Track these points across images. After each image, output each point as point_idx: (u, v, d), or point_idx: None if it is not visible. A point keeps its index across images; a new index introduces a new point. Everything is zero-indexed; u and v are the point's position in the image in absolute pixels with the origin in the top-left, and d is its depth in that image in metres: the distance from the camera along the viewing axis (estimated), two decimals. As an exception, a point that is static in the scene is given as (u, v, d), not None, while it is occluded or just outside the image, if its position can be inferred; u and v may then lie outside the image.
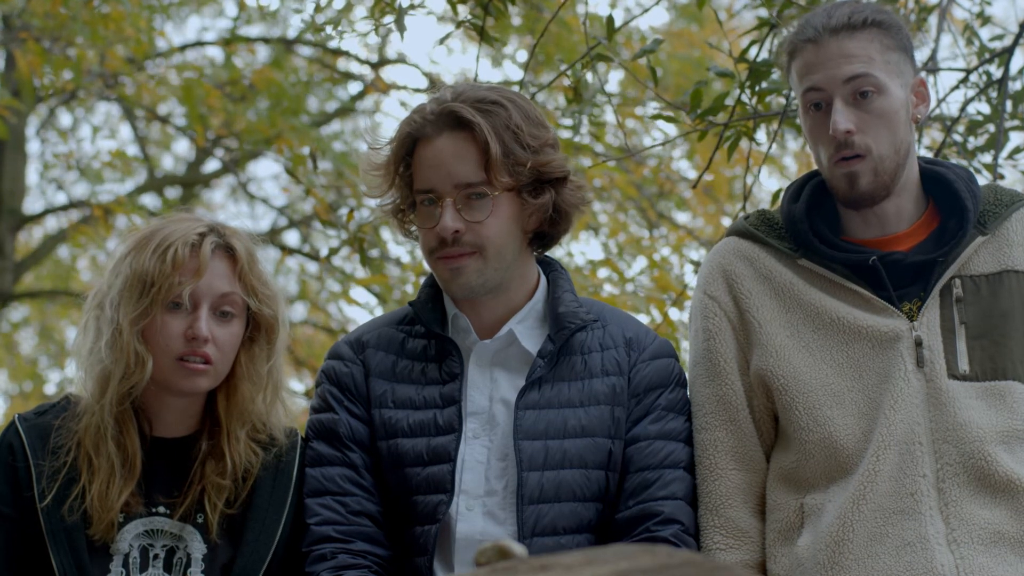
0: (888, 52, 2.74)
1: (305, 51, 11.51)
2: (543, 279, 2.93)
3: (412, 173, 2.83)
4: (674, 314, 6.70)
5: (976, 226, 2.78)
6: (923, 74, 2.89)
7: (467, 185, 2.77)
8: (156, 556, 2.75)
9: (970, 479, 2.68)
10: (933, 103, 4.70)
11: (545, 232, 2.89)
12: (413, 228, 2.90)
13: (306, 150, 8.94)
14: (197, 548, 2.76)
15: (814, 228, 2.81)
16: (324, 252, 11.24)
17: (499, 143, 2.76)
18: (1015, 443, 2.72)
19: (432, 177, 2.79)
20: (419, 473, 2.80)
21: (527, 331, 2.86)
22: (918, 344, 2.72)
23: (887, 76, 2.73)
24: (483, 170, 2.77)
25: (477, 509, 2.77)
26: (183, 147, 12.93)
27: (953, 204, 2.80)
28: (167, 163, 12.96)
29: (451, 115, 2.79)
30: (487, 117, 2.78)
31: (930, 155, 4.72)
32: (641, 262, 9.22)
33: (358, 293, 9.99)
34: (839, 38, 2.72)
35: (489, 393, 2.83)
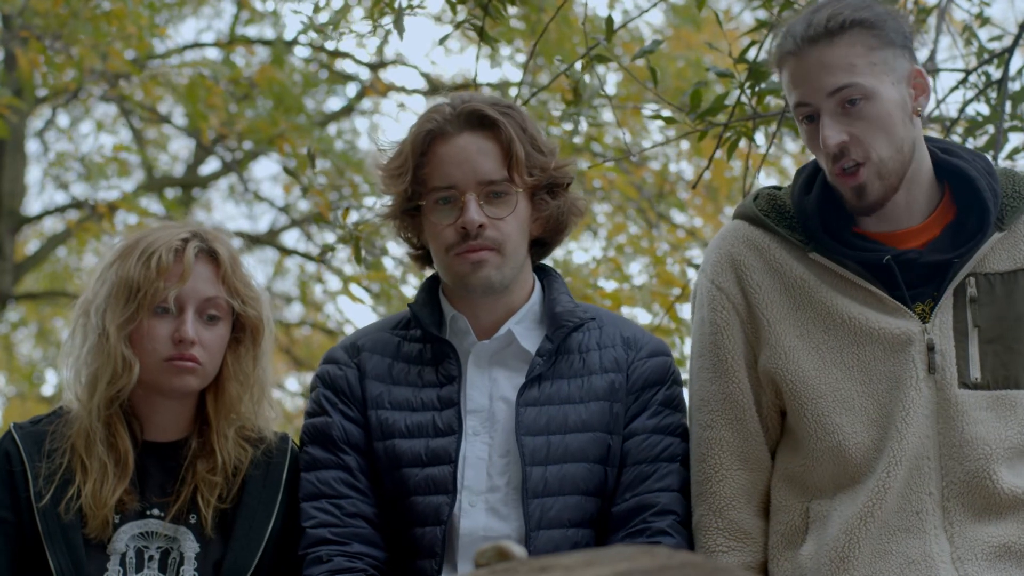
0: (873, 52, 2.64)
1: (303, 52, 11.51)
2: (537, 283, 2.95)
3: (426, 172, 2.83)
4: (678, 310, 6.69)
5: (994, 223, 2.70)
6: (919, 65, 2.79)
7: (490, 183, 2.80)
8: (151, 557, 2.78)
9: (974, 498, 2.65)
10: (932, 104, 4.70)
11: (544, 239, 2.93)
12: (410, 235, 2.91)
13: (305, 150, 8.95)
14: (190, 547, 2.79)
15: (826, 223, 2.73)
16: (321, 246, 11.23)
17: (520, 143, 2.80)
18: (1019, 459, 2.68)
19: (454, 173, 2.80)
20: (417, 473, 2.80)
21: (525, 332, 2.88)
22: (930, 348, 2.67)
23: (874, 78, 2.63)
24: (506, 168, 2.80)
25: (480, 505, 2.78)
26: (183, 147, 12.93)
27: (972, 200, 2.71)
28: (166, 164, 12.96)
29: (473, 113, 2.82)
30: (507, 118, 2.82)
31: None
32: (642, 262, 9.22)
33: (358, 291, 9.99)
34: (818, 48, 2.63)
35: (489, 392, 2.84)
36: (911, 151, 2.69)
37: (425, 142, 2.83)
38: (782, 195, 2.84)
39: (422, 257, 2.95)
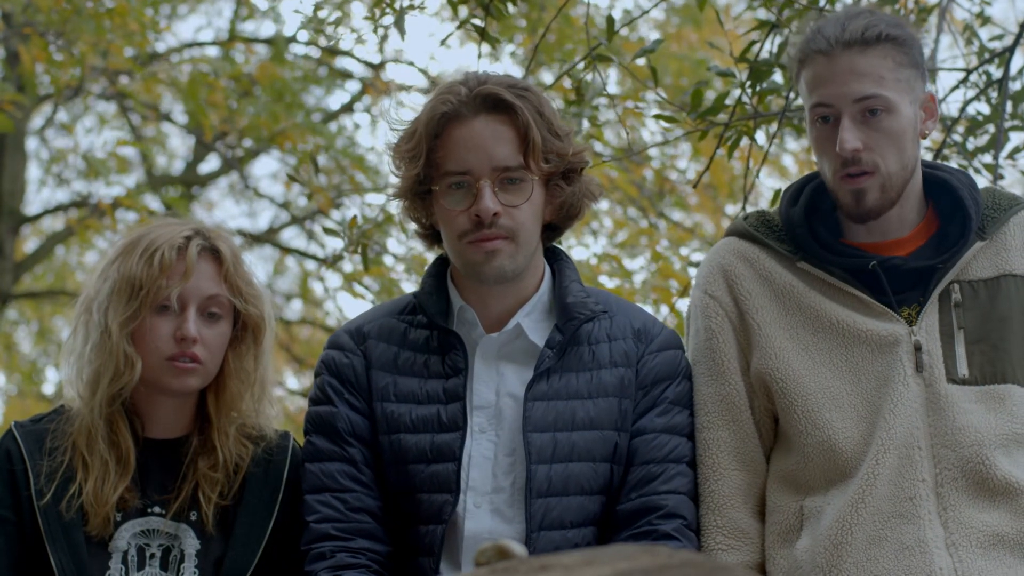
0: (900, 69, 2.70)
1: (303, 49, 11.51)
2: (547, 269, 2.90)
3: (440, 155, 2.77)
4: (680, 305, 6.68)
5: (975, 231, 2.77)
6: (933, 89, 2.82)
7: (505, 169, 2.74)
8: (152, 555, 2.78)
9: (968, 483, 2.68)
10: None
11: (556, 224, 2.88)
12: (420, 215, 2.86)
13: (307, 147, 8.95)
14: (190, 545, 2.80)
15: (813, 232, 2.80)
16: (327, 254, 11.24)
17: (537, 129, 2.74)
18: (1014, 447, 2.71)
19: (469, 158, 2.74)
20: (423, 471, 2.78)
21: (533, 324, 2.83)
22: (917, 349, 2.72)
23: (897, 94, 2.69)
24: (521, 154, 2.74)
25: (485, 507, 2.76)
26: (183, 146, 12.93)
27: (955, 210, 2.79)
28: (166, 162, 12.96)
29: (489, 97, 2.75)
30: (523, 102, 2.76)
31: (930, 156, 4.73)
32: (642, 260, 9.22)
33: (359, 288, 10.00)
34: (851, 53, 2.67)
35: (496, 387, 2.81)
36: (913, 171, 2.76)
37: (439, 125, 2.77)
38: (771, 213, 2.91)
39: (430, 236, 2.90)
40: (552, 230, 2.90)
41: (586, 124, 4.61)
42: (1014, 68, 4.64)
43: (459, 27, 4.65)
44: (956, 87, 4.77)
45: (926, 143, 4.93)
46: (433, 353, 2.83)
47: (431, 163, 2.78)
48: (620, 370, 2.83)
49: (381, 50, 10.99)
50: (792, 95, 4.36)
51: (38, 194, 12.62)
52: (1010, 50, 4.62)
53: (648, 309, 7.60)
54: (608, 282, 7.84)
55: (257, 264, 3.02)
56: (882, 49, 2.68)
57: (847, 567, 2.68)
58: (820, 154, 2.76)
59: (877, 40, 2.68)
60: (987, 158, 4.61)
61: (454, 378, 2.80)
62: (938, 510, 2.67)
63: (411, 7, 4.38)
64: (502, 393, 2.81)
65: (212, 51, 11.50)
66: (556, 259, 2.92)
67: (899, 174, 2.72)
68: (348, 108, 11.96)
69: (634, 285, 7.92)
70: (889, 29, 2.69)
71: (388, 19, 4.52)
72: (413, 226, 2.93)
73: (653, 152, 9.55)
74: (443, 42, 5.14)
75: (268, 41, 11.41)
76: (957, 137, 4.71)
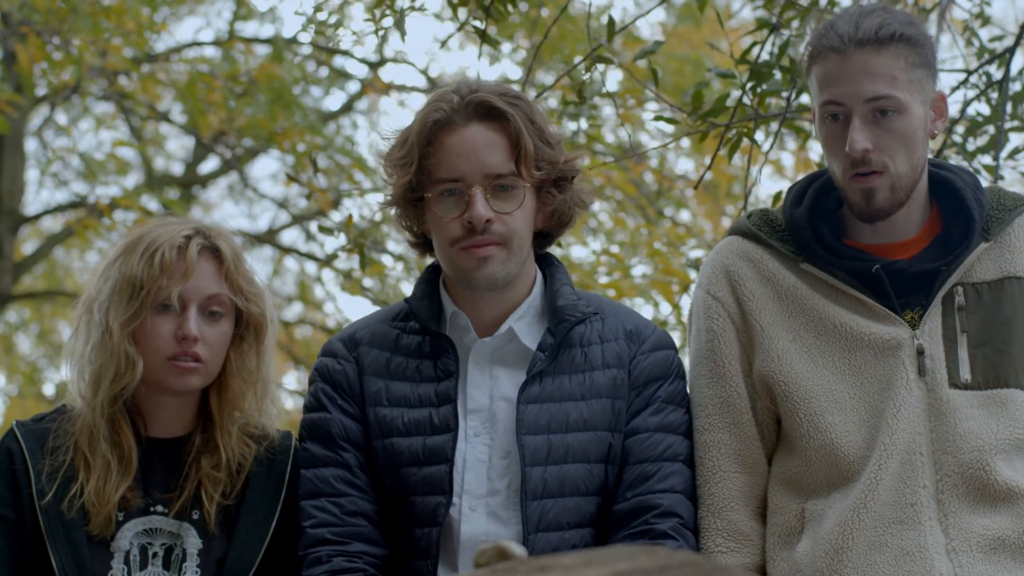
0: (912, 69, 2.67)
1: (303, 49, 11.51)
2: (539, 274, 2.92)
3: (432, 163, 2.78)
4: (682, 302, 6.67)
5: (979, 232, 2.75)
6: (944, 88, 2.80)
7: (497, 176, 2.75)
8: (155, 554, 2.79)
9: (969, 490, 2.68)
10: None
11: (547, 231, 2.90)
12: (411, 223, 2.87)
13: (304, 148, 8.95)
14: (193, 544, 2.80)
15: (817, 234, 2.78)
16: (325, 253, 11.25)
17: (528, 136, 2.76)
18: (1015, 452, 2.71)
19: (461, 165, 2.76)
20: (415, 473, 2.79)
21: (525, 328, 2.85)
22: (920, 353, 2.71)
23: (909, 95, 2.67)
24: (513, 162, 2.76)
25: (480, 510, 2.76)
26: (182, 146, 12.93)
27: (958, 211, 2.77)
28: (164, 163, 12.96)
29: (482, 105, 2.77)
30: (515, 110, 2.77)
31: (930, 156, 4.72)
32: (642, 255, 9.22)
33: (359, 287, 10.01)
34: (864, 52, 2.65)
35: (489, 391, 2.82)
36: (922, 171, 2.75)
37: (431, 132, 2.78)
38: (775, 212, 2.90)
39: (422, 245, 2.91)
40: (543, 237, 2.91)
41: (585, 124, 4.62)
42: (1014, 69, 4.65)
43: (459, 29, 4.65)
44: (956, 88, 4.78)
45: (926, 144, 4.92)
46: (425, 358, 2.85)
47: (423, 170, 2.79)
48: (613, 371, 2.83)
49: (381, 51, 10.99)
50: (792, 96, 4.37)
51: (37, 195, 12.62)
52: (1010, 51, 4.63)
53: (649, 307, 7.60)
54: (607, 279, 7.84)
55: (257, 265, 3.02)
56: (895, 49, 2.66)
57: (847, 572, 2.68)
58: (829, 152, 2.74)
59: (891, 39, 2.65)
60: (987, 159, 4.61)
61: (445, 381, 2.81)
62: (939, 516, 2.67)
63: (411, 8, 4.39)
64: (495, 397, 2.82)
65: (211, 51, 11.51)
66: (547, 264, 2.94)
67: (908, 175, 2.70)
68: (348, 108, 11.97)
69: (633, 280, 7.92)
70: (903, 28, 2.67)
71: (388, 20, 4.52)
72: (406, 235, 2.94)
73: (655, 150, 9.55)
74: (443, 44, 5.15)
75: (268, 41, 11.42)
76: (957, 138, 4.71)
